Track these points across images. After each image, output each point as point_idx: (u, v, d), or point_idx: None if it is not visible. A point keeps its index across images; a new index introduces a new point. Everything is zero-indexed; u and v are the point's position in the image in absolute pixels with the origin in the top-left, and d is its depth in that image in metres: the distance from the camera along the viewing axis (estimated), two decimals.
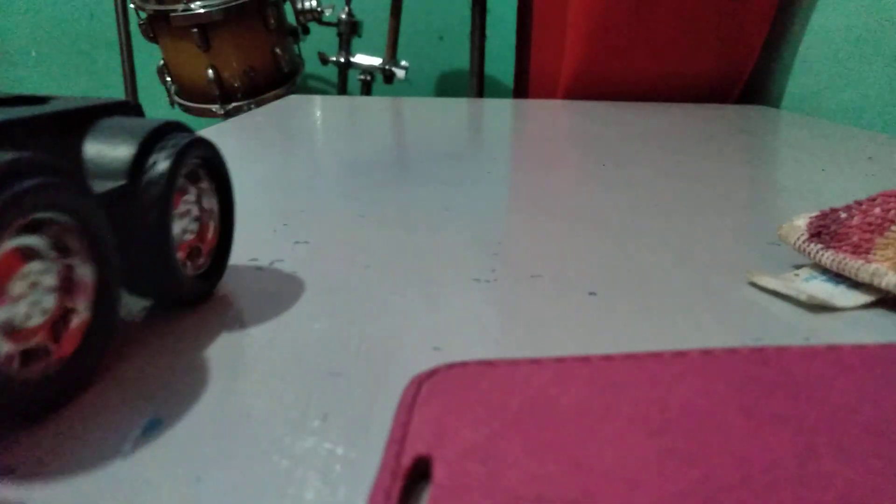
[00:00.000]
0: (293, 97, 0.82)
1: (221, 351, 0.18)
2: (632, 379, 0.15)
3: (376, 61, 1.20)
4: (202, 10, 0.99)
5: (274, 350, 0.18)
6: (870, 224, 0.21)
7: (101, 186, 0.16)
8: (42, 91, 1.59)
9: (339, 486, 0.13)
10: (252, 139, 0.52)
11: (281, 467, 0.13)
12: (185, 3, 1.00)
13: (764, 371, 0.15)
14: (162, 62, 1.12)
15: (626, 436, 0.13)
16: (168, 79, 1.12)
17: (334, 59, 1.22)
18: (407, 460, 0.13)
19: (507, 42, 1.47)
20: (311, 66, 1.52)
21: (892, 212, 0.21)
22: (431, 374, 0.16)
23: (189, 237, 0.20)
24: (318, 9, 1.13)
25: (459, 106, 0.75)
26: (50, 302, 0.14)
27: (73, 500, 0.12)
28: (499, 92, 1.51)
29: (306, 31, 1.19)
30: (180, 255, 0.19)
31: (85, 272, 0.15)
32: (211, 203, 0.21)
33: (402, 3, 1.19)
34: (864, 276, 0.20)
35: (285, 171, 0.41)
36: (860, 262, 0.20)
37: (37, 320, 0.14)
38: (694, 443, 0.13)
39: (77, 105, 0.17)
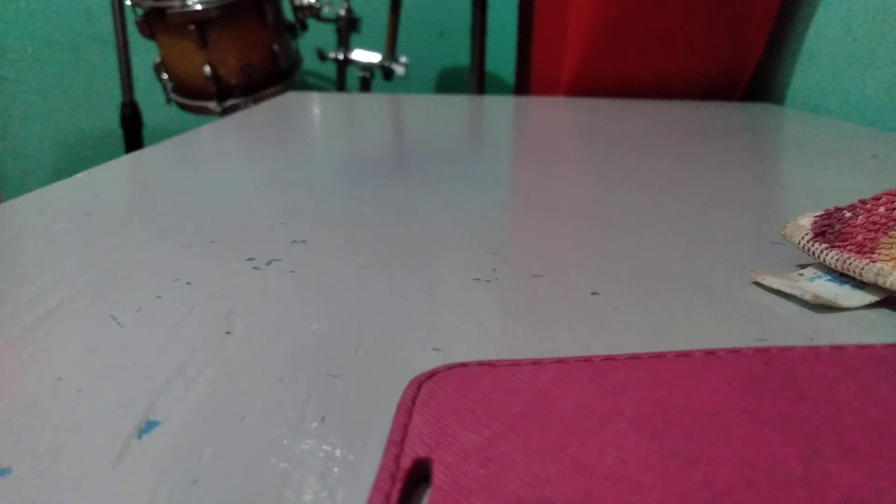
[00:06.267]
0: (291, 94, 0.81)
1: (218, 351, 0.18)
2: (634, 380, 0.15)
3: (375, 58, 1.19)
4: (199, 7, 0.99)
5: (271, 351, 0.18)
6: (874, 223, 0.21)
7: None
8: (37, 89, 1.58)
9: (337, 489, 0.12)
10: (249, 137, 0.52)
11: (279, 469, 0.13)
12: (181, 0, 0.99)
13: (768, 372, 0.15)
14: (158, 59, 1.12)
15: (628, 437, 0.13)
16: (165, 76, 1.12)
17: (333, 55, 1.21)
18: (406, 463, 0.12)
19: (508, 38, 1.47)
20: (310, 62, 1.51)
21: None
22: (431, 375, 0.15)
23: None
24: (317, 5, 1.13)
25: (460, 103, 0.75)
26: None
27: (68, 501, 0.12)
28: (500, 89, 1.51)
29: (304, 27, 1.19)
30: None
31: None
32: None
33: None
34: (868, 276, 0.20)
35: (283, 169, 0.40)
36: (865, 261, 0.20)
37: None
38: (697, 444, 0.13)
39: None
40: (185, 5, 0.99)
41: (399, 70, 1.18)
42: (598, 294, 0.22)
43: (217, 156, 0.44)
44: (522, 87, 1.06)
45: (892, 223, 0.20)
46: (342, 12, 1.19)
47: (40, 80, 1.58)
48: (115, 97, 1.59)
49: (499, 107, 0.72)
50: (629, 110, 0.70)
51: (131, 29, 1.42)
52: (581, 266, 0.24)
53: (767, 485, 0.11)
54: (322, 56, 1.22)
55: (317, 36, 1.50)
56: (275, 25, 1.09)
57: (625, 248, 0.27)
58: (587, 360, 0.16)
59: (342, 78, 1.23)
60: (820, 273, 0.22)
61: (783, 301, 0.21)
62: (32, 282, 0.22)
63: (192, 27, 1.01)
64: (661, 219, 0.31)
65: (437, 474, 0.12)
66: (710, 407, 0.14)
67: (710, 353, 0.16)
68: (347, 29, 1.20)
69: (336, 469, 0.13)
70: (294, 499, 0.12)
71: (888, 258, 0.20)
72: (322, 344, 0.18)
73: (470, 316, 0.20)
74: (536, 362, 0.16)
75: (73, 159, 1.65)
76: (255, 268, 0.24)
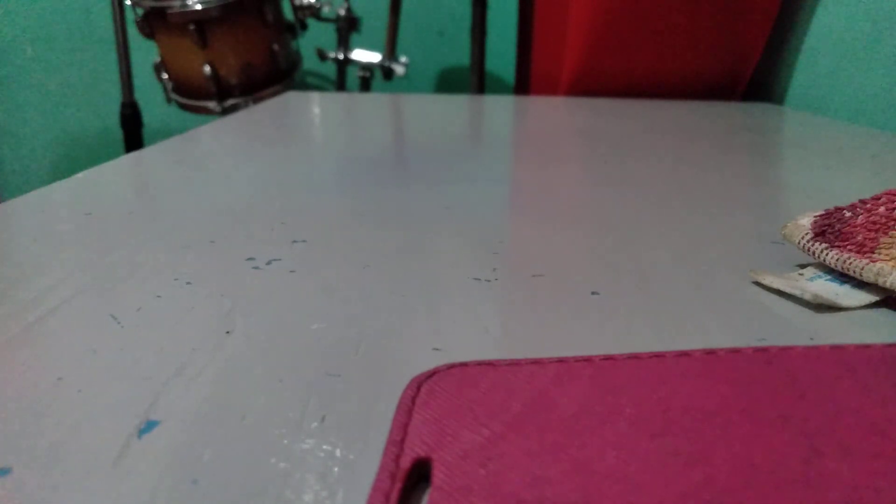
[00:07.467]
0: (291, 94, 0.81)
1: (218, 351, 0.18)
2: (634, 379, 0.15)
3: (375, 58, 1.19)
4: (199, 6, 0.99)
5: (271, 350, 0.18)
6: (874, 223, 0.21)
7: None
8: (37, 89, 1.58)
9: (337, 489, 0.12)
10: (249, 137, 0.52)
11: (279, 469, 0.13)
12: (181, 0, 0.99)
13: (767, 371, 0.15)
14: (158, 59, 1.12)
15: (628, 437, 0.13)
16: (165, 76, 1.12)
17: (333, 55, 1.21)
18: (406, 462, 0.12)
19: (508, 38, 1.47)
20: (310, 62, 1.51)
21: None
22: (431, 374, 0.15)
23: None
24: (317, 5, 1.13)
25: (460, 103, 0.75)
26: None
27: (68, 501, 0.12)
28: (500, 88, 1.51)
29: (304, 27, 1.19)
30: None
31: None
32: None
33: None
34: (868, 276, 0.20)
35: (283, 169, 0.40)
36: (865, 261, 0.20)
37: None
38: (696, 444, 0.13)
39: None
40: (185, 5, 0.99)
41: (399, 70, 1.18)
42: (598, 294, 0.22)
43: (217, 156, 0.44)
44: (522, 87, 1.06)
45: (892, 223, 0.20)
46: (342, 12, 1.19)
47: (40, 80, 1.58)
48: (115, 97, 1.59)
49: (499, 107, 0.72)
50: (629, 110, 0.70)
51: (131, 29, 1.42)
52: (581, 266, 0.24)
53: (767, 485, 0.11)
54: (322, 56, 1.22)
55: (317, 36, 1.50)
56: (275, 25, 1.09)
57: (625, 248, 0.27)
58: (587, 360, 0.16)
59: (342, 78, 1.23)
60: (820, 273, 0.22)
61: (783, 301, 0.21)
62: (32, 282, 0.22)
63: (192, 27, 1.01)
64: (661, 218, 0.31)
65: (437, 474, 0.12)
66: (710, 407, 0.14)
67: (710, 353, 0.16)
68: (347, 29, 1.20)
69: (336, 469, 0.13)
70: (294, 499, 0.12)
71: (888, 258, 0.20)
72: (322, 344, 0.18)
73: (470, 316, 0.20)
74: (536, 362, 0.16)
75: (73, 159, 1.65)
76: (255, 268, 0.24)
